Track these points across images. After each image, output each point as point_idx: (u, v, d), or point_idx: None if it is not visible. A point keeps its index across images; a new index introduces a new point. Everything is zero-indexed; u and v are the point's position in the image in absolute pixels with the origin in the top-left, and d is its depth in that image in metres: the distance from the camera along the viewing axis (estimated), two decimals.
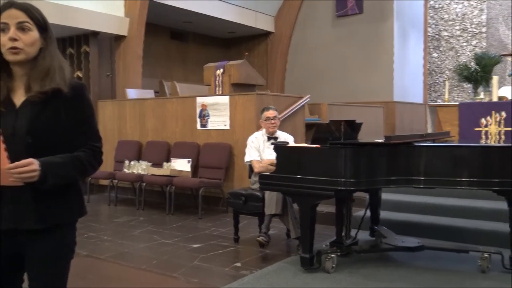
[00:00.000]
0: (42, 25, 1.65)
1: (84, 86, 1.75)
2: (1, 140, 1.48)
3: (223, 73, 7.10)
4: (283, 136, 5.02)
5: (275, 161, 3.97)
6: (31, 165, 1.51)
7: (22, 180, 1.51)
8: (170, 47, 11.32)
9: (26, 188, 1.57)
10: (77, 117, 1.67)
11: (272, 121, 4.90)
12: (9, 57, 1.60)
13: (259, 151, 4.88)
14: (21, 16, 1.59)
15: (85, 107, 1.72)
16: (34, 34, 1.62)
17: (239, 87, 7.10)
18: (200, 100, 6.84)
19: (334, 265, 3.74)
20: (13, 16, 1.59)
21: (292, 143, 4.81)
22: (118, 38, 8.71)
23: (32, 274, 1.70)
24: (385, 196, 5.00)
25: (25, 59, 1.62)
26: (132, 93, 8.20)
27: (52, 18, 7.36)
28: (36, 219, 1.61)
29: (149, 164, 6.96)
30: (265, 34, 12.12)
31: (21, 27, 1.59)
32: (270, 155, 4.72)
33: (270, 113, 4.91)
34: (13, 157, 1.50)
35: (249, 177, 5.01)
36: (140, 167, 6.96)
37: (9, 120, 1.60)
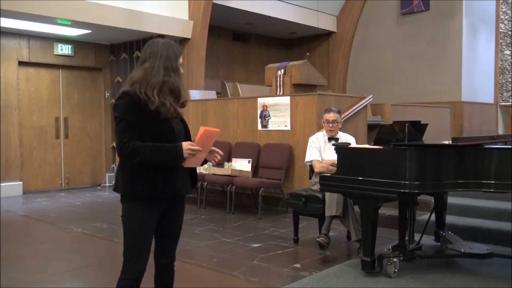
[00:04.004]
0: None
1: None
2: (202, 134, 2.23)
3: (284, 73, 7.11)
4: (345, 137, 4.94)
5: (336, 162, 3.91)
6: None
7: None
8: (232, 48, 11.48)
9: (184, 167, 2.33)
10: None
11: (331, 125, 4.82)
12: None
13: (320, 151, 4.83)
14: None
15: None
16: None
17: (300, 88, 7.08)
18: (261, 100, 6.88)
19: (396, 270, 3.64)
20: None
21: (353, 144, 4.73)
22: (182, 41, 8.93)
23: (172, 228, 2.55)
24: (451, 200, 4.81)
25: None
26: (195, 94, 8.39)
27: (121, 23, 7.73)
28: (189, 188, 2.47)
29: (211, 163, 7.08)
30: (327, 34, 12.00)
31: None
32: (331, 155, 4.67)
33: (330, 116, 4.83)
34: None
35: (310, 178, 4.97)
36: (202, 167, 7.11)
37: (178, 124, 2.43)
